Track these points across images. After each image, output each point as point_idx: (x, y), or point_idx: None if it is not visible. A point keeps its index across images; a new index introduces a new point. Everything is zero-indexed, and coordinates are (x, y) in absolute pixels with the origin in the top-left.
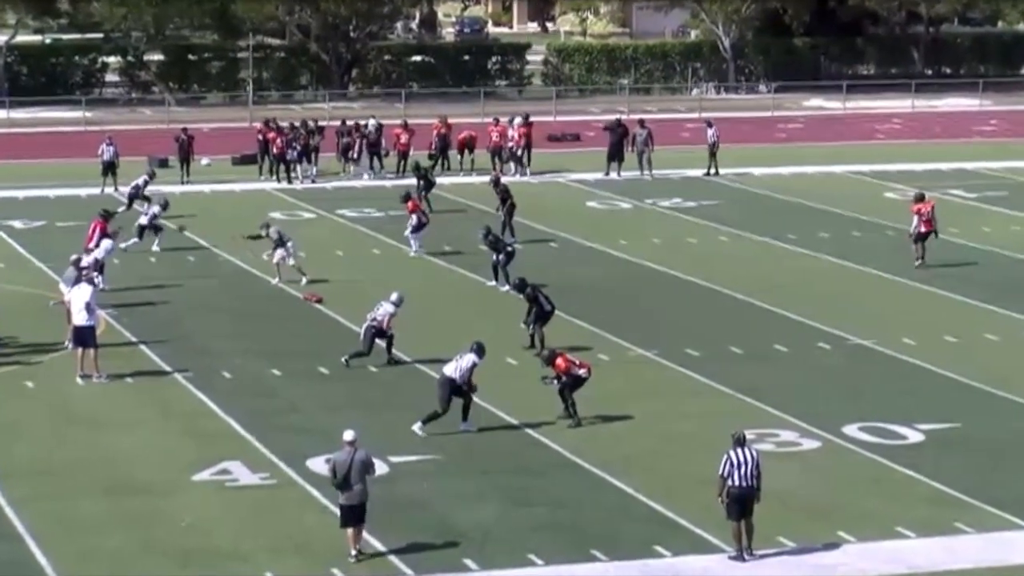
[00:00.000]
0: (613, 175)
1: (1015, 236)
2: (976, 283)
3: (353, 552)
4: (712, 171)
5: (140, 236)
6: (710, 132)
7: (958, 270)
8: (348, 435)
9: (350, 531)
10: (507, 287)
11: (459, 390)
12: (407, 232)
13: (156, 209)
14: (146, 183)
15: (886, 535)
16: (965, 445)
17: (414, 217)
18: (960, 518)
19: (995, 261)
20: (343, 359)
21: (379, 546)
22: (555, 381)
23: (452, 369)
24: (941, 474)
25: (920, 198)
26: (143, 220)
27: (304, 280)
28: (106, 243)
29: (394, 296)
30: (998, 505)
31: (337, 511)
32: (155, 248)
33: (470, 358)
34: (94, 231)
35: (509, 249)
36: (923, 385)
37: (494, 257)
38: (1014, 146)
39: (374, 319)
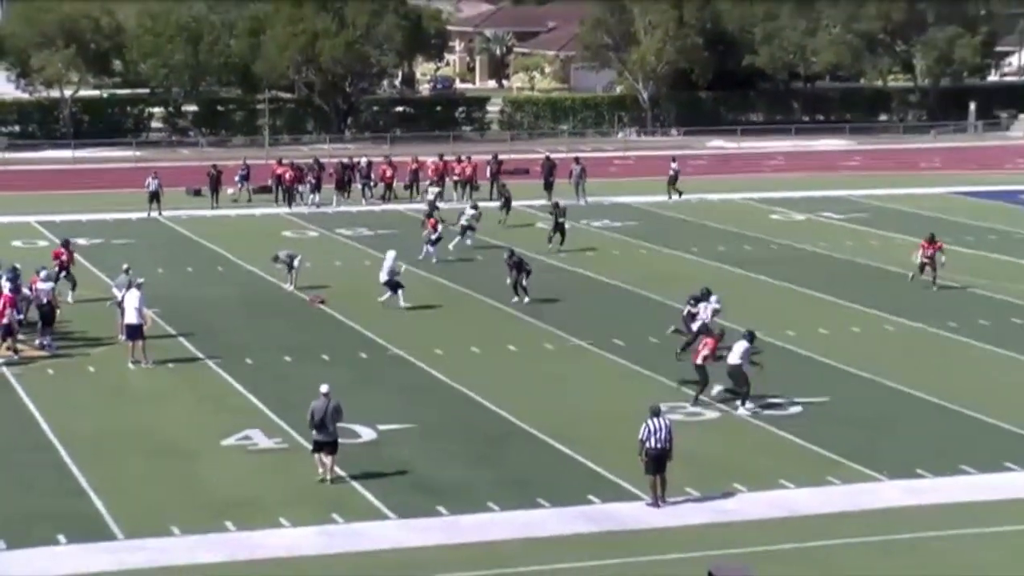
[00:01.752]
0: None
1: (873, 249)
2: (842, 286)
3: (329, 477)
4: (676, 196)
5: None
6: (673, 165)
7: (829, 276)
8: (324, 388)
9: (320, 457)
10: (527, 299)
11: (738, 371)
12: (426, 244)
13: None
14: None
15: (771, 486)
16: (835, 415)
17: (434, 232)
18: (831, 472)
19: (857, 269)
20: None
21: (369, 496)
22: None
23: (734, 357)
24: (816, 438)
25: (931, 239)
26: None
27: (290, 287)
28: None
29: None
30: (862, 462)
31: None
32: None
33: (743, 344)
34: None
35: (528, 268)
36: (801, 367)
37: (516, 275)
38: (873, 177)
39: None
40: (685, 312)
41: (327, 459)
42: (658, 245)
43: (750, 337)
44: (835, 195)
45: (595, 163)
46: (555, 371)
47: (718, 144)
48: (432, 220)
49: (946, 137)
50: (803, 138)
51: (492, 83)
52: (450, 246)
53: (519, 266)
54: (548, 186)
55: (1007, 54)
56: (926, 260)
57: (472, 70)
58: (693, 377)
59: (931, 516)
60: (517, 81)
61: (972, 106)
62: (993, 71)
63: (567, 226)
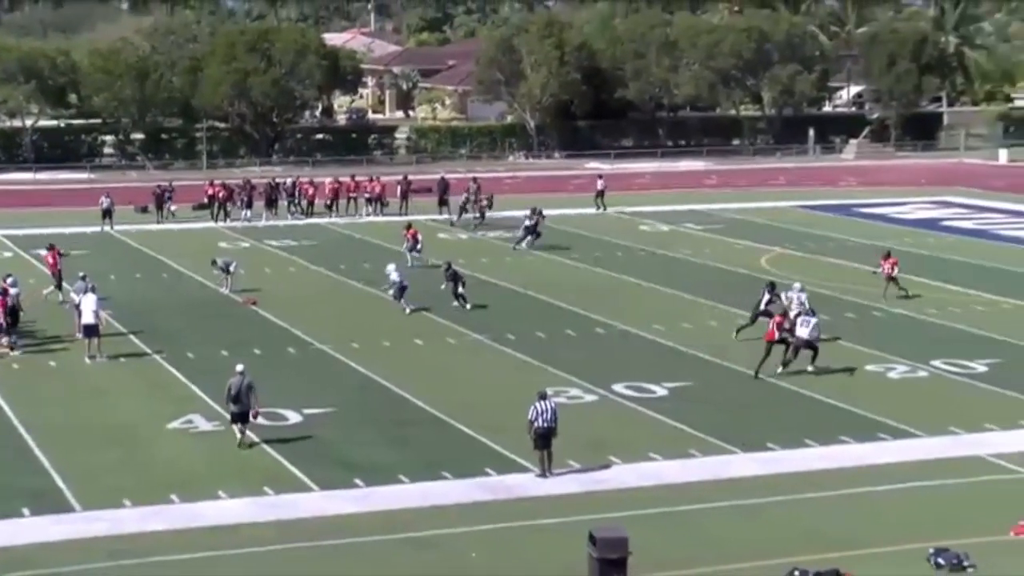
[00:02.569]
0: (445, 216)
1: (728, 254)
2: (702, 286)
3: (246, 443)
4: (601, 208)
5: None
6: (599, 181)
7: (690, 278)
8: (239, 367)
9: (237, 428)
10: (468, 306)
11: (811, 344)
12: (407, 251)
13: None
14: None
15: (642, 459)
16: (697, 397)
17: (411, 241)
18: (693, 447)
19: (714, 272)
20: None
21: (296, 471)
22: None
23: (804, 334)
24: (680, 417)
25: (887, 255)
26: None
27: (226, 290)
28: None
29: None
30: (720, 437)
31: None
32: None
33: (812, 320)
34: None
35: (463, 279)
36: (667, 356)
37: (454, 285)
38: (728, 193)
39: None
40: (766, 299)
41: (241, 428)
42: (543, 252)
43: (812, 313)
44: (695, 209)
45: (489, 183)
46: (456, 362)
47: (594, 165)
48: (412, 231)
49: (789, 159)
50: (667, 160)
51: (400, 114)
52: (523, 244)
53: (455, 277)
54: (442, 202)
55: (838, 88)
56: (889, 274)
57: (383, 102)
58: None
59: (780, 483)
60: (422, 112)
61: (811, 132)
62: (828, 103)
63: (540, 230)
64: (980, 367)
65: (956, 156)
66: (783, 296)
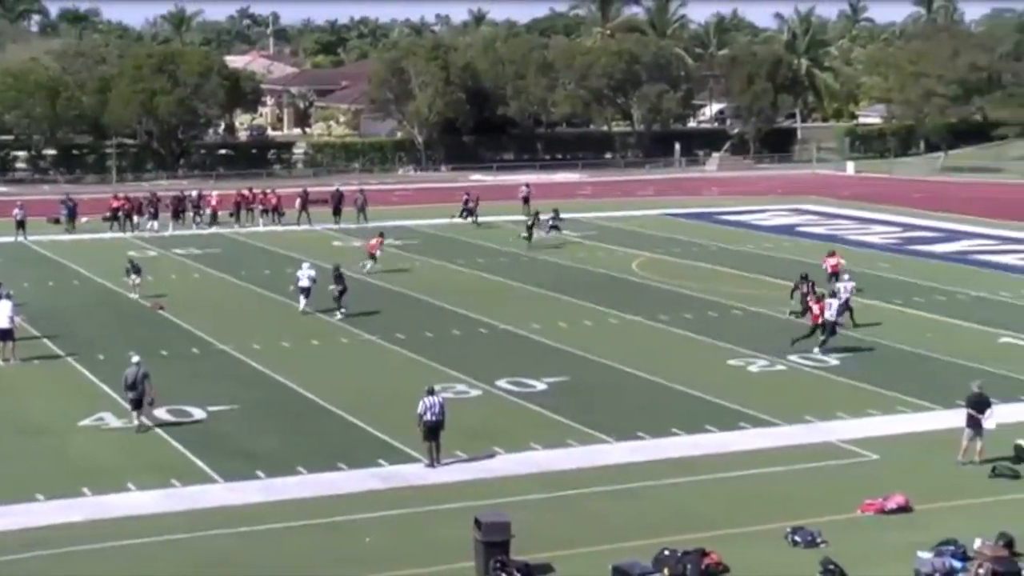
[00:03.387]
0: (338, 224)
1: (600, 259)
2: (577, 288)
3: (142, 428)
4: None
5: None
6: (524, 188)
7: (566, 281)
8: (135, 357)
9: (136, 414)
10: (341, 313)
11: (833, 326)
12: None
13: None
14: None
15: (524, 448)
16: (573, 391)
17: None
18: (570, 436)
19: (588, 274)
20: None
21: (201, 464)
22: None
23: (830, 316)
24: (558, 409)
25: (831, 253)
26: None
27: (135, 295)
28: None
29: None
30: (594, 427)
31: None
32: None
33: (833, 303)
34: None
35: (345, 287)
36: (545, 353)
37: (336, 288)
38: (601, 203)
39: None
40: (805, 289)
41: (138, 415)
42: (432, 258)
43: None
44: (571, 217)
45: (381, 194)
46: (350, 360)
47: (478, 177)
48: (380, 239)
49: (657, 171)
50: (546, 172)
51: (297, 130)
52: (545, 233)
53: (339, 280)
54: (337, 211)
55: (702, 106)
56: (833, 273)
57: (281, 120)
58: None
59: (650, 469)
60: (318, 129)
61: (677, 146)
62: (692, 119)
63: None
64: (833, 361)
65: (809, 168)
66: (838, 286)
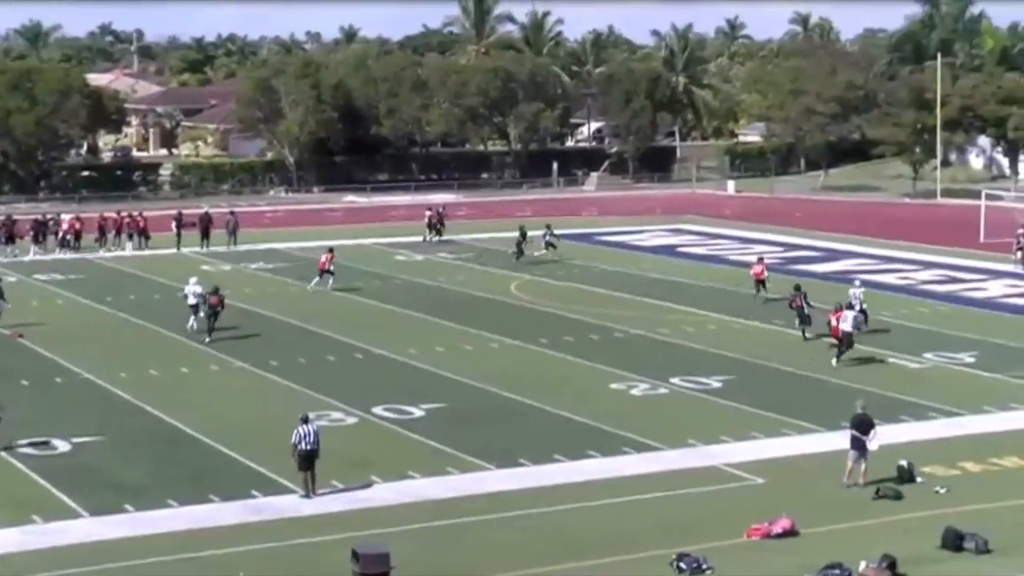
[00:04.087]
0: (206, 248)
1: (480, 281)
2: (456, 312)
3: None
4: (437, 238)
5: None
6: (440, 209)
7: (444, 304)
8: None
9: None
10: (208, 339)
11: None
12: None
13: None
14: None
15: (401, 477)
16: (451, 417)
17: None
18: (450, 464)
19: (467, 298)
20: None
21: (65, 499)
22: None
23: (846, 327)
24: (436, 436)
25: (759, 259)
26: None
27: None
28: None
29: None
30: (475, 454)
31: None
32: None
33: (849, 314)
34: None
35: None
36: (422, 379)
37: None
38: (478, 224)
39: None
40: (799, 302)
41: None
42: (302, 281)
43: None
44: (448, 239)
45: (251, 216)
46: (221, 388)
47: (351, 199)
48: (330, 255)
49: (535, 191)
50: (421, 193)
51: (164, 151)
52: (543, 250)
53: (221, 303)
54: (205, 235)
55: (580, 124)
56: (760, 277)
57: (147, 140)
58: None
59: (533, 496)
60: (185, 149)
61: (555, 166)
62: (570, 138)
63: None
64: (715, 383)
65: (689, 187)
66: (849, 293)
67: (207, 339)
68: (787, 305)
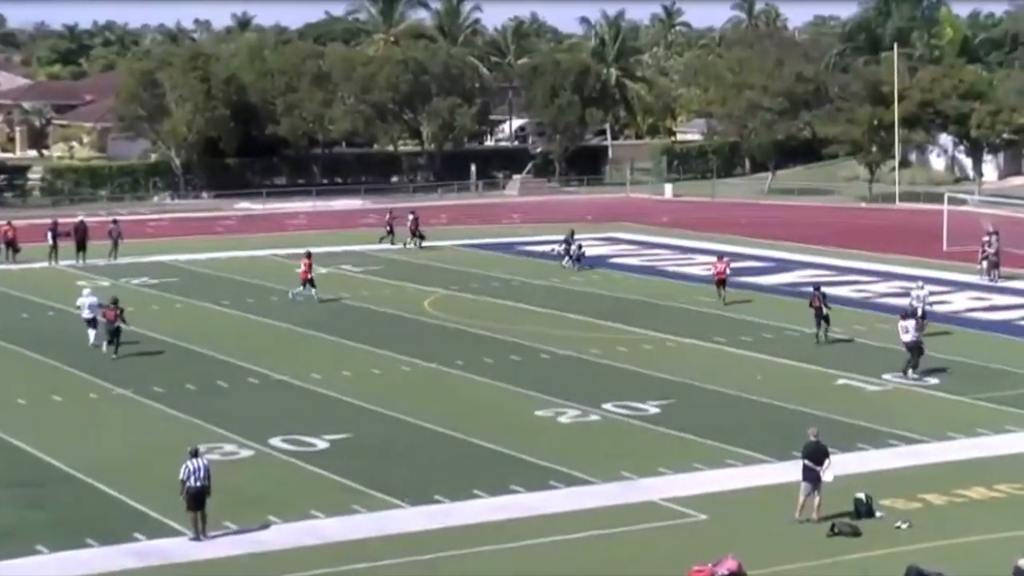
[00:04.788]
0: (83, 262)
1: (387, 297)
2: (362, 331)
3: None
4: (412, 245)
5: None
6: (411, 218)
7: (350, 323)
8: None
9: None
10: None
11: (918, 346)
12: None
13: None
14: None
15: (303, 517)
16: (359, 449)
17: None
18: (357, 502)
19: (374, 315)
20: None
21: None
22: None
23: (907, 338)
24: (342, 471)
25: (720, 257)
26: None
27: None
28: None
29: None
30: (385, 491)
31: None
32: None
33: (910, 324)
34: None
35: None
36: (326, 407)
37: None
38: (381, 234)
39: None
40: (817, 303)
41: None
42: (194, 299)
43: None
44: (352, 250)
45: (133, 225)
46: (99, 418)
47: (245, 205)
48: (308, 260)
49: (451, 196)
50: (323, 199)
51: (33, 152)
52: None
53: (119, 317)
54: (81, 247)
55: (500, 122)
56: (722, 276)
57: (12, 140)
58: None
59: (450, 537)
60: (57, 151)
61: (473, 168)
62: (489, 137)
63: None
64: (652, 408)
65: (622, 191)
66: (911, 295)
67: (113, 355)
68: (807, 305)
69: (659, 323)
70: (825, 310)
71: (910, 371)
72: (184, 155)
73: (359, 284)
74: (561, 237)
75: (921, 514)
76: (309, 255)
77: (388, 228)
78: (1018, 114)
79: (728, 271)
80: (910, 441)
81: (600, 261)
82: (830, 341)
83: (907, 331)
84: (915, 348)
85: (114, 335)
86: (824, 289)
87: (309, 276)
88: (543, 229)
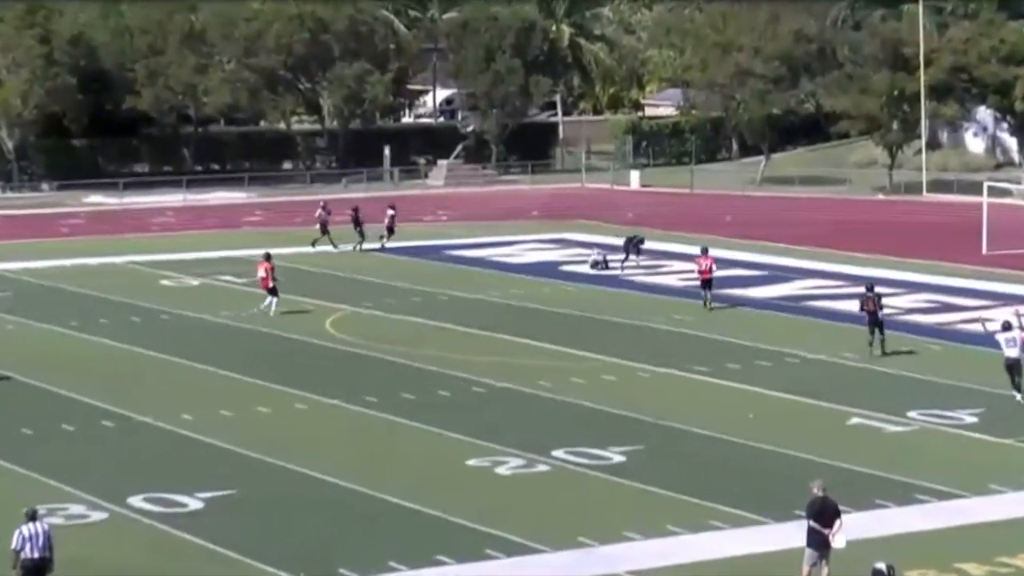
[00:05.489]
0: None
1: (282, 317)
2: (245, 360)
3: None
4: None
5: None
6: (389, 212)
7: (234, 348)
8: None
9: None
10: None
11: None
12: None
13: None
14: None
15: None
16: (242, 508)
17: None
18: (237, 575)
19: (263, 339)
20: None
21: None
22: None
23: (1012, 354)
24: (217, 537)
25: (704, 251)
26: None
27: None
28: None
29: None
30: (274, 563)
31: None
32: None
33: (1017, 336)
34: None
35: None
36: (201, 456)
37: None
38: (279, 234)
39: None
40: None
41: None
42: (31, 319)
43: (1005, 327)
44: (234, 255)
45: None
46: None
47: (97, 200)
48: (267, 264)
49: (359, 186)
50: (196, 191)
51: None
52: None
53: None
54: None
55: (422, 93)
56: (708, 276)
57: None
58: None
59: None
60: None
61: (387, 151)
62: (408, 112)
63: None
64: (616, 456)
65: (576, 180)
66: (1014, 309)
67: None
68: (858, 308)
69: (624, 348)
70: (880, 314)
71: (1016, 395)
72: (18, 135)
73: (243, 299)
74: (546, 237)
75: None
76: (268, 257)
77: (322, 228)
78: None
79: (715, 268)
80: (942, 495)
81: (550, 269)
82: (887, 353)
83: (1010, 344)
84: (1015, 366)
85: None
86: (877, 289)
87: (271, 284)
88: (478, 229)
